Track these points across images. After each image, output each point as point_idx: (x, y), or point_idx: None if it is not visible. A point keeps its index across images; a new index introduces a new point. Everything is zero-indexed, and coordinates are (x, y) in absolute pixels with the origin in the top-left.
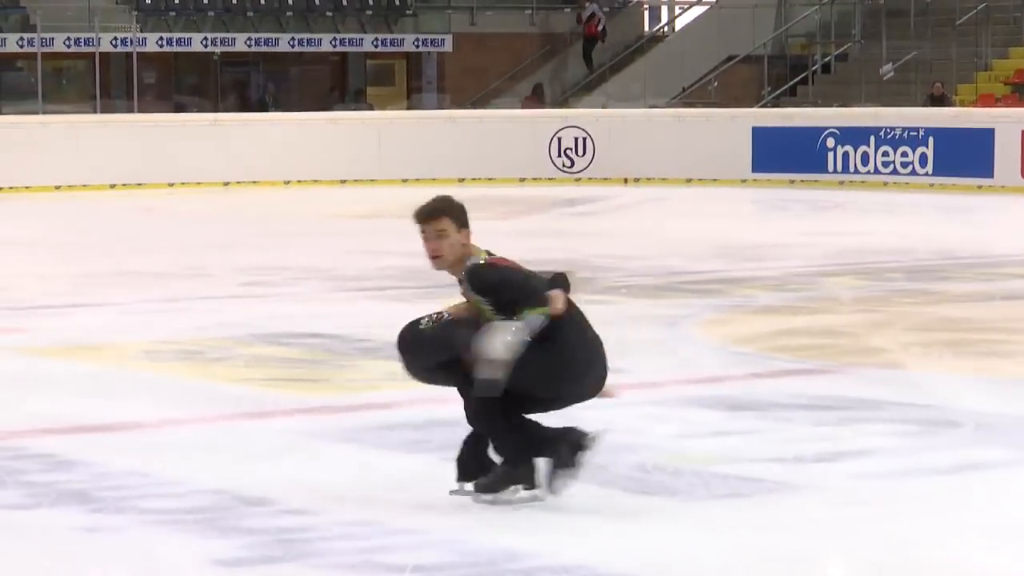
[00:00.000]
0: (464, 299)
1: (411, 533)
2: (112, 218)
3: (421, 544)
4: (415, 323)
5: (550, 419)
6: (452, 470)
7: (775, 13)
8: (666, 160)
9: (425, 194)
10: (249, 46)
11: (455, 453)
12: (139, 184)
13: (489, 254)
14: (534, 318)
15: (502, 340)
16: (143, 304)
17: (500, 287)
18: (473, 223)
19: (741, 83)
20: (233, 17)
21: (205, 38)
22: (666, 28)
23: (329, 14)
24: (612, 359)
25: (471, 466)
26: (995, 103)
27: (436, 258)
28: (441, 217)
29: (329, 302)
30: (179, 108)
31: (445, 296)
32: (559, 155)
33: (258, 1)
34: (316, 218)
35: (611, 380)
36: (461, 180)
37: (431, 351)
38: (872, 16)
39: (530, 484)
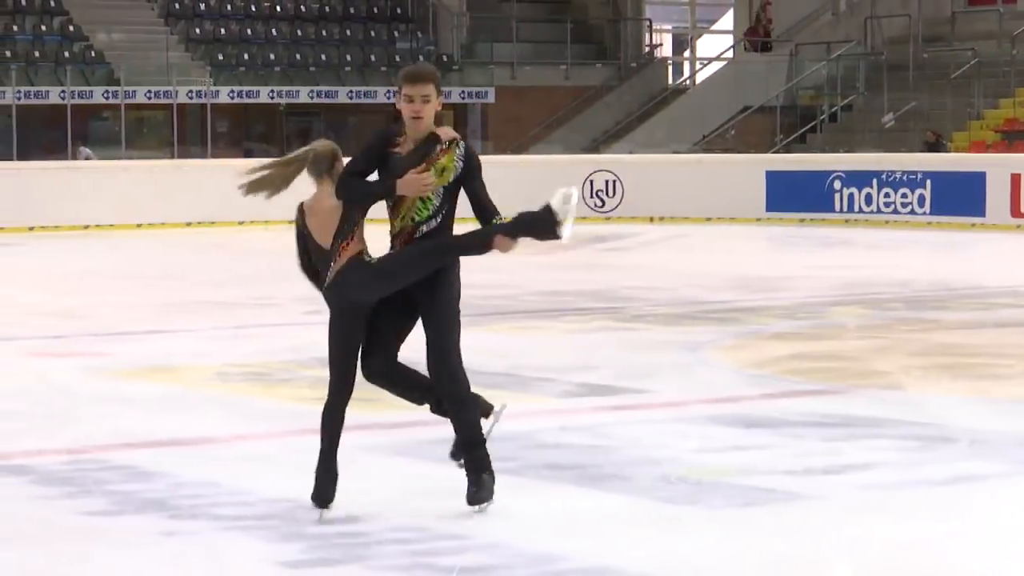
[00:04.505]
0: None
1: (456, 538)
2: (188, 253)
3: (466, 548)
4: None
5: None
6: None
7: (786, 68)
8: (688, 201)
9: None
10: (312, 98)
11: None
12: (212, 222)
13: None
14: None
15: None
16: (216, 331)
17: (480, 172)
18: (512, 257)
19: (756, 131)
20: (297, 72)
21: (272, 91)
22: (688, 81)
23: (383, 69)
24: (640, 380)
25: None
26: (986, 149)
27: (417, 119)
28: (428, 83)
29: None
30: (248, 154)
31: (491, 323)
32: (591, 196)
33: (320, 57)
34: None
35: (638, 400)
36: (502, 218)
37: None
38: (875, 70)
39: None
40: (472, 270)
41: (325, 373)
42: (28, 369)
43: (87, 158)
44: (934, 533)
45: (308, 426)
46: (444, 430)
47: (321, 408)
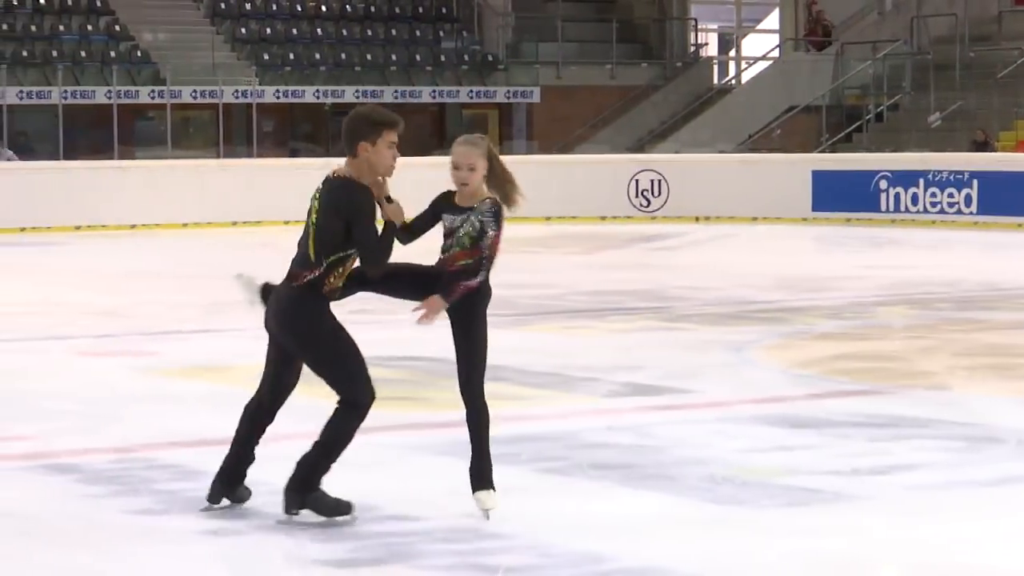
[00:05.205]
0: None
1: (502, 537)
2: (234, 253)
3: (511, 547)
4: None
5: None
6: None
7: (832, 67)
8: (734, 200)
9: (517, 231)
10: (357, 97)
11: (549, 464)
12: (258, 222)
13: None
14: None
15: None
16: (262, 330)
17: None
18: (559, 257)
19: (802, 131)
20: (343, 71)
21: (318, 91)
22: (733, 81)
23: (429, 69)
24: (685, 380)
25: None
26: None
27: (393, 168)
28: None
29: (429, 328)
30: (294, 153)
31: (537, 323)
32: (637, 196)
33: (365, 57)
34: (417, 252)
35: (683, 399)
36: (548, 219)
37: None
38: (921, 70)
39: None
40: (518, 271)
41: (370, 372)
42: (75, 368)
43: (8, 159)
44: (981, 533)
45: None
46: (491, 431)
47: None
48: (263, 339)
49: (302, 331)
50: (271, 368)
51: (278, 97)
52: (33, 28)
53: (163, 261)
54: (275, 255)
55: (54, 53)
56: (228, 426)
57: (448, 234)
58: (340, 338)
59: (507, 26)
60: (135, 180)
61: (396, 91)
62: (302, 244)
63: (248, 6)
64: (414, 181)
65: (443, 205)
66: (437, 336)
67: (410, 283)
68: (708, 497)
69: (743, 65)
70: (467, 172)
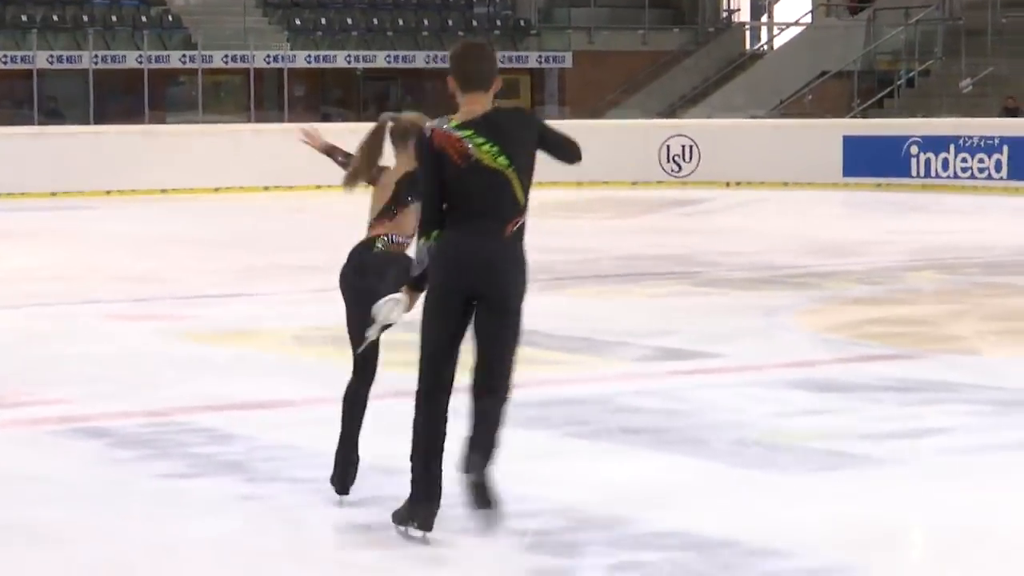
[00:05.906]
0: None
1: (532, 500)
2: (267, 217)
3: (540, 511)
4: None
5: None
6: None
7: (864, 33)
8: (765, 165)
9: (548, 196)
10: (389, 63)
11: (581, 428)
12: (290, 186)
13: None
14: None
15: None
16: (295, 295)
17: None
18: (590, 221)
19: (833, 96)
20: (375, 36)
21: (349, 55)
22: (765, 46)
23: (461, 33)
24: (716, 344)
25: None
26: None
27: None
28: None
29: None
30: (325, 118)
31: (569, 287)
32: (668, 161)
33: (397, 22)
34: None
35: (714, 364)
36: (579, 183)
37: None
38: (952, 36)
39: None
40: (550, 235)
41: (403, 336)
42: (108, 332)
43: None
44: (1012, 497)
45: (387, 390)
46: (520, 393)
47: (397, 370)
48: (295, 304)
49: (526, 282)
50: (454, 342)
51: (309, 62)
52: None
53: (195, 226)
54: (308, 219)
55: (85, 18)
56: (260, 390)
57: None
58: None
59: None
60: (166, 145)
61: (428, 56)
62: (500, 194)
63: None
64: None
65: None
66: None
67: None
68: (739, 461)
69: (775, 30)
70: None
